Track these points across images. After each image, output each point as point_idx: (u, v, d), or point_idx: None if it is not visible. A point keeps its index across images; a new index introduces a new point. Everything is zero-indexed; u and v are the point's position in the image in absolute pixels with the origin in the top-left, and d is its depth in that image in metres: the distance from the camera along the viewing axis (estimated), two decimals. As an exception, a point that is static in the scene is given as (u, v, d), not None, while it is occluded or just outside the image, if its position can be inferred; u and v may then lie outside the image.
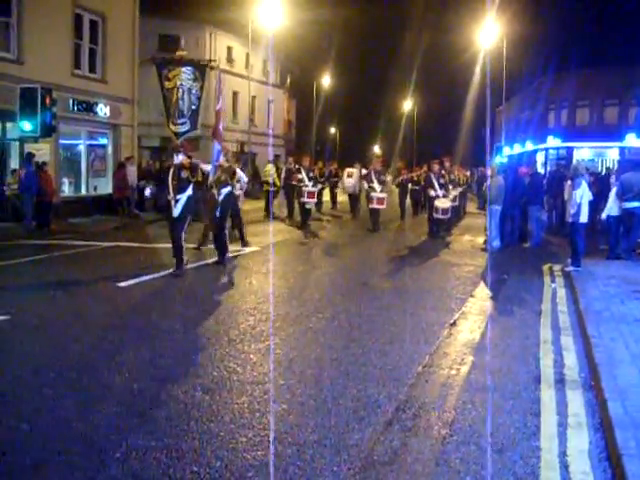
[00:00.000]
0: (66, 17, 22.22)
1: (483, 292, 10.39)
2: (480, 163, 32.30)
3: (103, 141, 25.87)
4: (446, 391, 5.65)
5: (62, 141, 22.97)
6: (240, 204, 15.39)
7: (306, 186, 20.15)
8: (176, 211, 11.28)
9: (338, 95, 63.61)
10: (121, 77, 25.07)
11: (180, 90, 11.82)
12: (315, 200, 20.63)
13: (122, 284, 10.38)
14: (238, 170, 14.05)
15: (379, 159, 21.08)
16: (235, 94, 43.93)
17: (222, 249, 12.60)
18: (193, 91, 11.79)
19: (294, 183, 20.99)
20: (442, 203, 17.67)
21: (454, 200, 19.40)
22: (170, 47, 39.82)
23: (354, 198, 24.85)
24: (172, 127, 11.75)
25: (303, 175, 20.49)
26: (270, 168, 24.41)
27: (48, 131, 18.59)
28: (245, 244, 14.96)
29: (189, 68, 11.94)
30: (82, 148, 24.91)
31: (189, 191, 11.38)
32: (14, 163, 20.24)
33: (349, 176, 24.76)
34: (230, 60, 43.13)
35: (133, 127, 26.46)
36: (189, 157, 11.67)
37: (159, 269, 11.68)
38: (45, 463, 4.21)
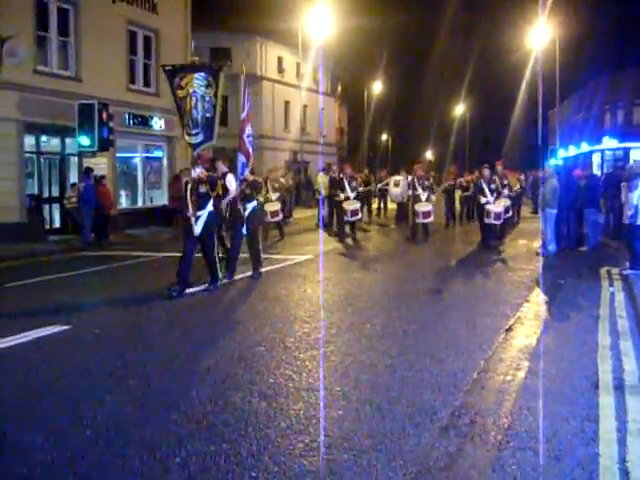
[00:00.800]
0: (121, 34, 22.84)
1: (539, 297, 10.28)
2: (534, 166, 31.84)
3: (158, 154, 26.41)
4: (502, 397, 5.63)
5: (119, 154, 23.54)
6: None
7: (347, 198, 19.00)
8: (197, 229, 10.67)
9: (389, 101, 63.56)
10: (174, 90, 25.53)
11: (194, 98, 11.31)
12: (360, 216, 19.75)
13: (176, 293, 10.56)
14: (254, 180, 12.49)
15: (420, 165, 19.84)
16: (287, 103, 44.29)
17: (229, 267, 11.83)
18: (207, 98, 11.35)
19: (336, 196, 19.72)
20: (494, 207, 16.86)
21: (507, 207, 18.12)
22: (221, 59, 40.50)
23: (402, 207, 24.26)
24: (187, 138, 11.54)
25: (345, 185, 19.23)
26: (321, 177, 24.50)
27: (105, 145, 19.11)
28: (256, 270, 12.29)
29: (201, 74, 11.49)
30: (138, 161, 25.47)
31: (209, 207, 10.80)
32: (73, 177, 20.81)
33: (396, 185, 24.09)
34: (281, 70, 43.52)
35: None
36: (208, 170, 11.15)
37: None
38: (106, 467, 4.35)
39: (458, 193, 24.88)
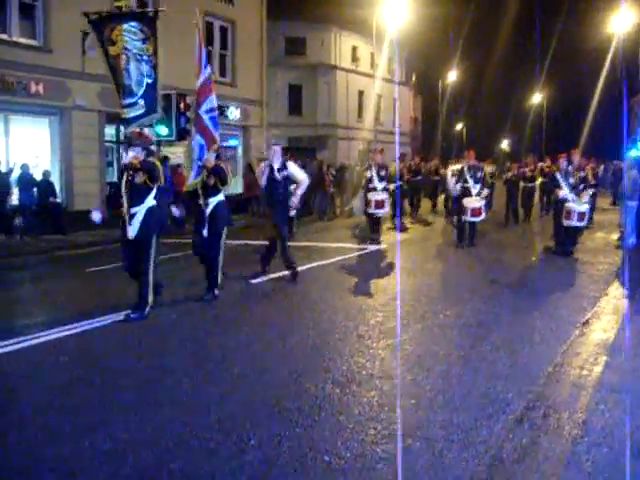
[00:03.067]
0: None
1: (618, 291, 10.01)
2: (613, 157, 30.75)
3: (234, 142, 26.80)
4: (578, 391, 5.53)
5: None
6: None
7: (374, 189, 16.10)
8: (132, 231, 8.15)
9: (464, 90, 62.61)
10: (250, 80, 25.91)
11: (124, 57, 8.69)
12: (386, 210, 16.13)
13: (253, 281, 10.76)
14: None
15: (471, 152, 16.18)
16: (360, 93, 44.19)
17: (212, 282, 9.49)
18: (144, 57, 8.79)
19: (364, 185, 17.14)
20: (578, 205, 13.86)
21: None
22: (296, 49, 40.74)
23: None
24: (121, 112, 8.91)
25: (373, 174, 16.28)
26: (395, 166, 24.33)
27: (183, 135, 19.47)
28: (211, 290, 9.51)
29: (133, 24, 8.87)
30: (214, 150, 25.89)
31: (149, 201, 8.25)
32: (152, 166, 21.31)
33: (454, 175, 22.01)
34: (355, 59, 43.42)
35: (262, 128, 27.26)
36: (149, 153, 8.57)
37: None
38: (183, 446, 4.50)
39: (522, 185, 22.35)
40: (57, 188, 18.36)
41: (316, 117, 41.22)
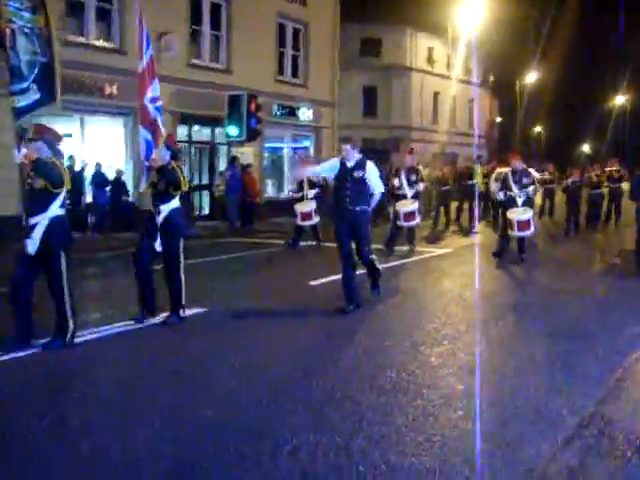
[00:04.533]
0: (270, 27, 23.44)
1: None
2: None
3: (305, 143, 26.88)
4: (639, 409, 5.22)
5: (267, 144, 24.16)
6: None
7: (403, 197, 14.55)
8: (32, 245, 6.72)
9: (544, 92, 61.04)
10: (322, 81, 25.92)
11: (9, 31, 7.07)
12: (417, 221, 14.51)
13: (313, 282, 10.68)
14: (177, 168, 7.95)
15: (516, 155, 13.78)
16: (436, 95, 43.70)
17: (176, 303, 7.97)
18: (35, 31, 7.20)
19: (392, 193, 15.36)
20: None
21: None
22: (371, 50, 40.59)
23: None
24: (9, 100, 7.41)
25: (402, 181, 14.60)
26: (475, 169, 23.66)
27: (253, 135, 19.65)
28: (175, 311, 8.00)
29: None
30: (285, 151, 26.05)
31: (53, 209, 6.76)
32: (222, 166, 21.60)
33: (497, 180, 17.85)
34: (431, 61, 42.97)
35: (333, 129, 27.23)
36: (54, 152, 6.91)
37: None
38: (219, 449, 4.43)
39: (586, 192, 20.41)
40: (129, 187, 18.74)
41: (390, 119, 40.99)
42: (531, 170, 14.45)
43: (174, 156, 8.05)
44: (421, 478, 4.04)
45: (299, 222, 15.03)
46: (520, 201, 12.69)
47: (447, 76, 42.50)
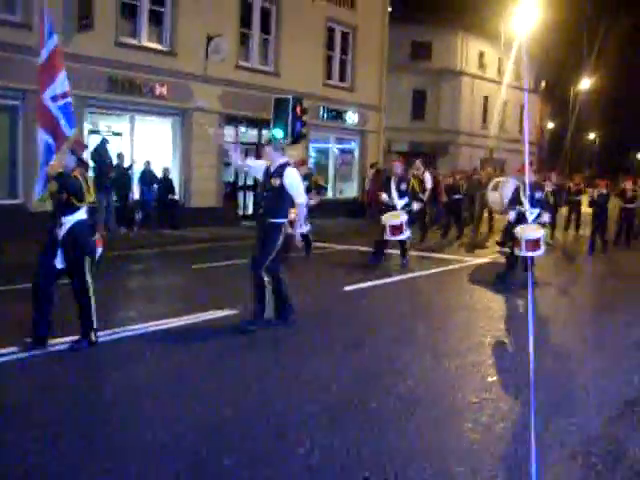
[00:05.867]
0: (319, 31, 23.72)
1: None
2: None
3: (351, 147, 27.07)
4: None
5: (312, 145, 24.45)
6: None
7: (393, 207, 13.32)
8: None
9: (599, 99, 60.03)
10: (369, 85, 26.08)
11: None
12: (406, 235, 13.21)
13: (347, 288, 10.84)
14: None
15: (529, 167, 12.56)
16: (486, 99, 43.39)
17: (85, 326, 6.99)
18: None
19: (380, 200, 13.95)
20: None
21: None
22: (422, 54, 40.52)
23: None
24: None
25: (392, 190, 13.36)
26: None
27: (297, 138, 19.87)
28: (85, 335, 7.00)
29: None
30: (330, 153, 26.29)
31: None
32: (267, 167, 21.93)
33: (494, 189, 17.82)
34: (482, 65, 42.67)
35: (379, 133, 27.37)
36: None
37: (387, 275, 12.14)
38: (236, 445, 4.66)
39: (615, 204, 18.82)
40: (176, 185, 19.20)
41: (439, 123, 40.85)
42: (547, 184, 13.60)
43: (80, 161, 7.05)
44: (423, 485, 4.22)
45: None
46: (531, 218, 11.43)
47: (498, 81, 42.13)
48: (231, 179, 21.72)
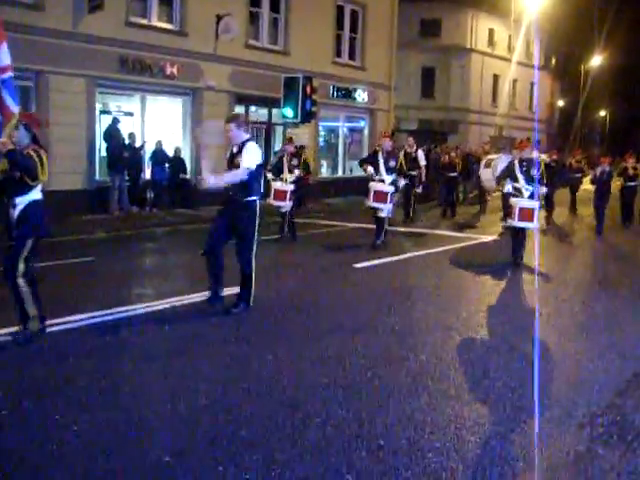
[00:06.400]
0: (328, 9, 23.66)
1: None
2: None
3: (360, 125, 27.10)
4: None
5: (322, 124, 24.51)
6: None
7: (380, 180, 12.94)
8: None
9: (610, 75, 59.56)
10: (379, 63, 26.05)
11: None
12: (388, 205, 12.90)
13: (358, 265, 10.99)
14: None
15: (525, 143, 12.40)
16: (495, 77, 43.23)
17: (22, 316, 6.51)
18: None
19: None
20: None
21: None
22: (431, 31, 40.35)
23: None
24: None
25: (380, 162, 12.90)
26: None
27: (307, 117, 19.92)
28: (25, 326, 6.47)
29: None
30: (340, 132, 26.34)
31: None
32: (278, 146, 22.00)
33: (487, 166, 17.03)
34: (491, 43, 42.49)
35: (389, 112, 27.38)
36: None
37: (396, 252, 12.29)
38: (255, 419, 4.83)
39: (617, 182, 18.38)
40: (187, 165, 19.31)
41: (448, 100, 40.80)
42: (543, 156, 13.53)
43: (35, 139, 6.58)
44: (436, 454, 4.37)
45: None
46: (527, 194, 11.39)
47: (508, 58, 41.94)
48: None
